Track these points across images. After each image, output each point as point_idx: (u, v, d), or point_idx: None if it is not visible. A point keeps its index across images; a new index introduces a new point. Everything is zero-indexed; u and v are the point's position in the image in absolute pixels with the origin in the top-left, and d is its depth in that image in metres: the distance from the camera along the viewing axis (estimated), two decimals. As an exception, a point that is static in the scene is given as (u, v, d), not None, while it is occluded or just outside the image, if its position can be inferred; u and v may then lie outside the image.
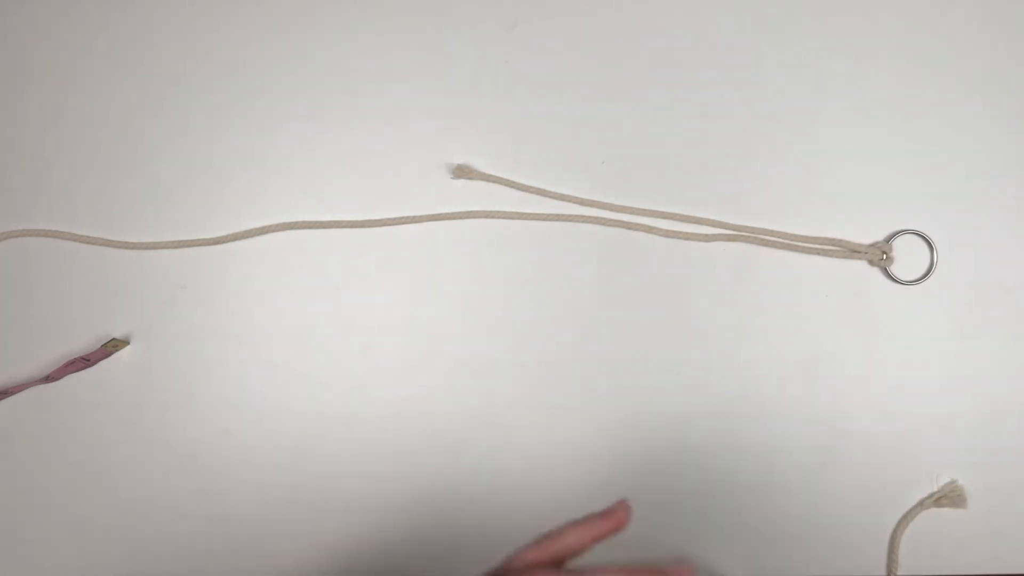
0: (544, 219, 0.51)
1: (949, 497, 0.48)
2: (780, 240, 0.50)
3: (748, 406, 0.49)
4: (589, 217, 0.51)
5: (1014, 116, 0.50)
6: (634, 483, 0.50)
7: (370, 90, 0.52)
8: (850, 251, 0.49)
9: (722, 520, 0.49)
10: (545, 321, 0.50)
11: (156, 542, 0.50)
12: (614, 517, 0.40)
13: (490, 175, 0.51)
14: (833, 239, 0.50)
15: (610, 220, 0.50)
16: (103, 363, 0.51)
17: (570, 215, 0.51)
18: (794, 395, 0.49)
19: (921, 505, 0.48)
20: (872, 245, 0.49)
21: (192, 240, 0.52)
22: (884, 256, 0.49)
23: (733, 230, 0.50)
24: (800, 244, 0.50)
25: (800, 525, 0.49)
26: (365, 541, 0.50)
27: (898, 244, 0.49)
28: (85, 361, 0.50)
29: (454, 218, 0.51)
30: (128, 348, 0.51)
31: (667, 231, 0.50)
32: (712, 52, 0.51)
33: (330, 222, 0.51)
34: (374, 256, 0.51)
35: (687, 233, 0.50)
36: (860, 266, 0.50)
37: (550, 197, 0.51)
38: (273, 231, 0.51)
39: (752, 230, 0.50)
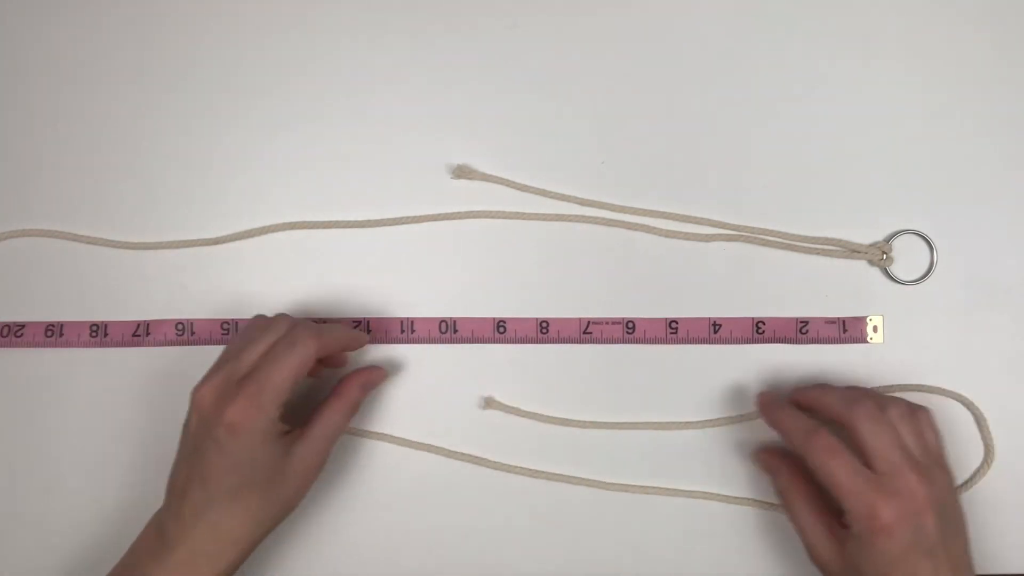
0: (544, 219, 0.51)
1: None
2: (780, 240, 0.50)
3: (748, 407, 0.49)
4: (589, 217, 0.51)
5: (1014, 116, 0.50)
6: (635, 480, 0.50)
7: (370, 90, 0.52)
8: (850, 251, 0.49)
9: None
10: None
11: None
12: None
13: (490, 175, 0.51)
14: (833, 239, 0.50)
15: (610, 220, 0.51)
16: (103, 363, 0.51)
17: (570, 215, 0.51)
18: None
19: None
20: (872, 245, 0.50)
21: (192, 240, 0.52)
22: (884, 256, 0.49)
23: (733, 230, 0.50)
24: (800, 244, 0.50)
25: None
26: (362, 540, 0.50)
27: (898, 244, 0.49)
28: None
29: (454, 218, 0.51)
30: (128, 348, 0.51)
31: (667, 231, 0.50)
32: (712, 52, 0.51)
33: (331, 222, 0.51)
34: (374, 256, 0.51)
35: (687, 233, 0.50)
36: (860, 266, 0.50)
37: (550, 197, 0.51)
38: (273, 231, 0.51)
39: (752, 230, 0.50)
